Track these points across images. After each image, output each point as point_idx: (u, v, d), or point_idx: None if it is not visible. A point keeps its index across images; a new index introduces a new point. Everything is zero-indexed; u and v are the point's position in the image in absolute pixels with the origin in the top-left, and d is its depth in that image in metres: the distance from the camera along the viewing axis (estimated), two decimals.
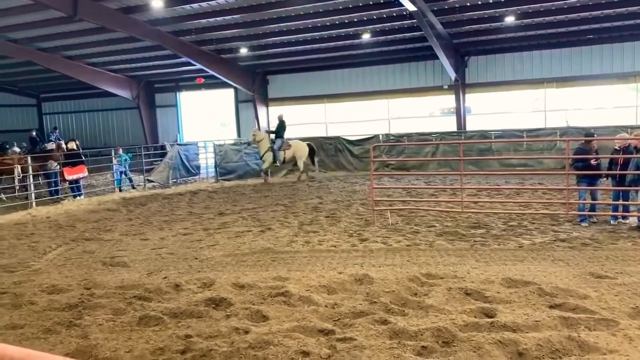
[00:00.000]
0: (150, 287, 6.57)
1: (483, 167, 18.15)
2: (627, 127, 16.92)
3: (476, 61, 21.91)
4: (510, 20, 18.29)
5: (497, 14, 18.20)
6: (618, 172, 9.54)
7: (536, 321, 4.98)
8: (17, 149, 18.05)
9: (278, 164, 18.81)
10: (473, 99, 22.47)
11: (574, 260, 7.20)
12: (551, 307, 5.38)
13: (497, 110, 22.00)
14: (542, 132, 19.25)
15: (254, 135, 18.96)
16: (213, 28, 19.99)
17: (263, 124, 25.55)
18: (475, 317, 5.20)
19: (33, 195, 15.50)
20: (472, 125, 22.00)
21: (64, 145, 17.85)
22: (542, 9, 17.63)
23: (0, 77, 27.63)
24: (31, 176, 15.99)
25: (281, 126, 19.03)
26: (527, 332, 4.77)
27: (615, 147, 9.88)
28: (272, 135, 18.95)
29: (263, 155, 18.67)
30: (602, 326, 4.85)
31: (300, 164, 18.82)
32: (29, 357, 1.42)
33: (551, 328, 4.84)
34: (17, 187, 16.74)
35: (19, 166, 16.15)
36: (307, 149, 18.90)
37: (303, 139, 22.69)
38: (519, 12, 17.89)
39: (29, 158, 16.22)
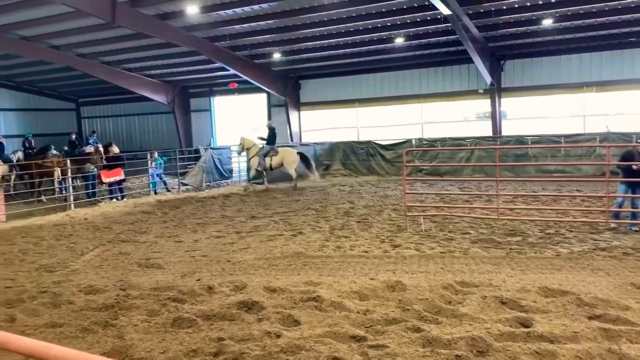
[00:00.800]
0: (184, 289, 6.66)
1: (519, 174, 17.78)
2: None
3: (512, 65, 21.52)
4: (548, 23, 17.89)
5: (534, 17, 17.83)
6: None
7: (575, 332, 4.83)
8: (55, 152, 18.59)
9: (260, 169, 18.43)
10: (509, 104, 22.06)
11: (614, 270, 6.97)
12: (590, 318, 5.21)
13: (534, 115, 21.52)
14: (580, 137, 18.75)
15: (241, 142, 18.73)
16: (247, 34, 20.22)
17: (295, 128, 25.67)
18: (510, 326, 5.08)
19: (71, 197, 15.93)
20: (507, 130, 21.60)
21: (101, 149, 18.31)
22: (581, 12, 17.21)
23: (42, 82, 28.58)
24: (70, 178, 16.44)
25: (272, 135, 18.94)
26: (565, 343, 4.64)
27: None
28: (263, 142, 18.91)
29: (250, 161, 18.51)
30: None
31: (292, 172, 18.40)
32: (69, 355, 1.45)
33: (590, 340, 4.68)
34: (57, 189, 17.24)
35: (58, 169, 16.64)
36: (296, 157, 18.59)
37: (334, 143, 22.77)
38: (557, 14, 17.49)
39: (68, 161, 16.69)
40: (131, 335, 5.21)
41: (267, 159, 18.26)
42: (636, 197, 9.71)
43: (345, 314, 5.57)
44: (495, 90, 21.33)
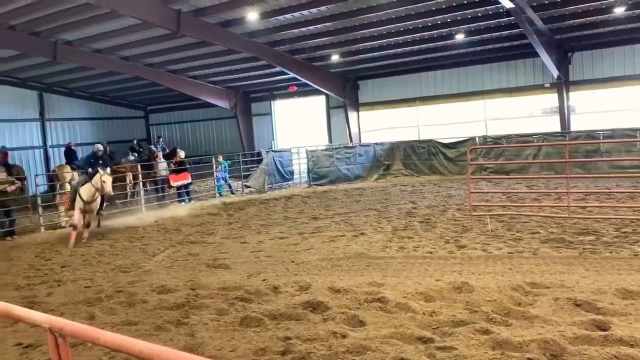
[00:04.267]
0: (250, 289, 6.81)
1: (591, 170, 16.95)
2: None
3: (581, 57, 20.53)
4: (619, 11, 16.93)
5: (603, 6, 16.92)
6: None
7: None
8: (131, 158, 19.55)
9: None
10: (578, 97, 21.06)
11: None
12: None
13: (605, 108, 20.42)
14: None
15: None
16: (305, 37, 20.40)
17: (354, 129, 25.64)
18: (586, 329, 4.87)
19: (142, 200, 16.65)
20: (577, 125, 20.63)
21: (158, 154, 19.07)
22: None
23: (113, 92, 30.04)
24: (141, 183, 17.19)
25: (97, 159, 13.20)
26: None
27: None
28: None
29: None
30: None
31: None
32: (155, 350, 1.53)
33: None
34: (129, 194, 18.06)
35: (130, 174, 17.44)
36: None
37: (394, 143, 22.54)
38: (630, 1, 16.53)
39: (139, 166, 17.46)
40: (202, 333, 5.39)
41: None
42: None
43: (411, 315, 5.52)
44: (563, 84, 20.42)
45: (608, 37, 19.43)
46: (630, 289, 5.83)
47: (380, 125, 25.33)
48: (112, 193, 12.23)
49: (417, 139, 23.39)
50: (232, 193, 19.37)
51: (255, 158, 23.55)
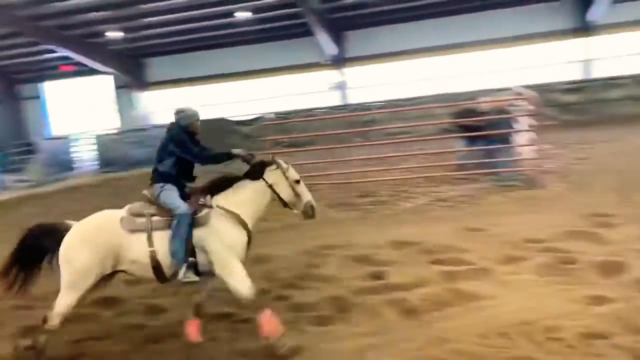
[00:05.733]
0: None
1: (370, 139, 18.62)
2: None
3: (354, 35, 22.38)
4: None
5: None
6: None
7: (421, 277, 5.31)
8: None
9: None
10: (354, 73, 22.99)
11: (452, 218, 7.71)
12: (434, 263, 5.76)
13: (380, 82, 22.58)
14: (419, 100, 20.00)
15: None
16: (78, 11, 18.53)
17: (144, 110, 24.37)
18: (364, 280, 5.48)
19: None
20: (355, 98, 22.53)
21: None
22: None
23: None
24: None
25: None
26: (413, 289, 5.08)
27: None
28: None
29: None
30: (479, 275, 5.29)
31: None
32: None
33: (434, 283, 5.19)
34: None
35: None
36: None
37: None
38: None
39: None
40: None
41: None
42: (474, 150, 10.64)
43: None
44: (340, 61, 22.12)
45: (377, 17, 21.44)
46: (400, 239, 6.65)
47: (172, 105, 24.43)
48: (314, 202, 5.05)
49: (211, 117, 23.09)
50: (4, 189, 16.99)
51: (30, 148, 20.93)
